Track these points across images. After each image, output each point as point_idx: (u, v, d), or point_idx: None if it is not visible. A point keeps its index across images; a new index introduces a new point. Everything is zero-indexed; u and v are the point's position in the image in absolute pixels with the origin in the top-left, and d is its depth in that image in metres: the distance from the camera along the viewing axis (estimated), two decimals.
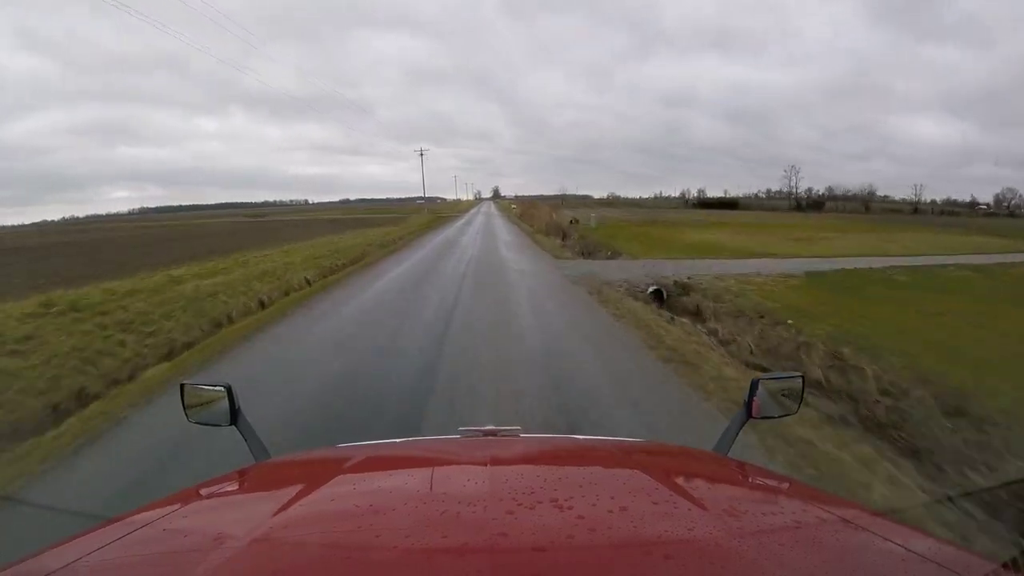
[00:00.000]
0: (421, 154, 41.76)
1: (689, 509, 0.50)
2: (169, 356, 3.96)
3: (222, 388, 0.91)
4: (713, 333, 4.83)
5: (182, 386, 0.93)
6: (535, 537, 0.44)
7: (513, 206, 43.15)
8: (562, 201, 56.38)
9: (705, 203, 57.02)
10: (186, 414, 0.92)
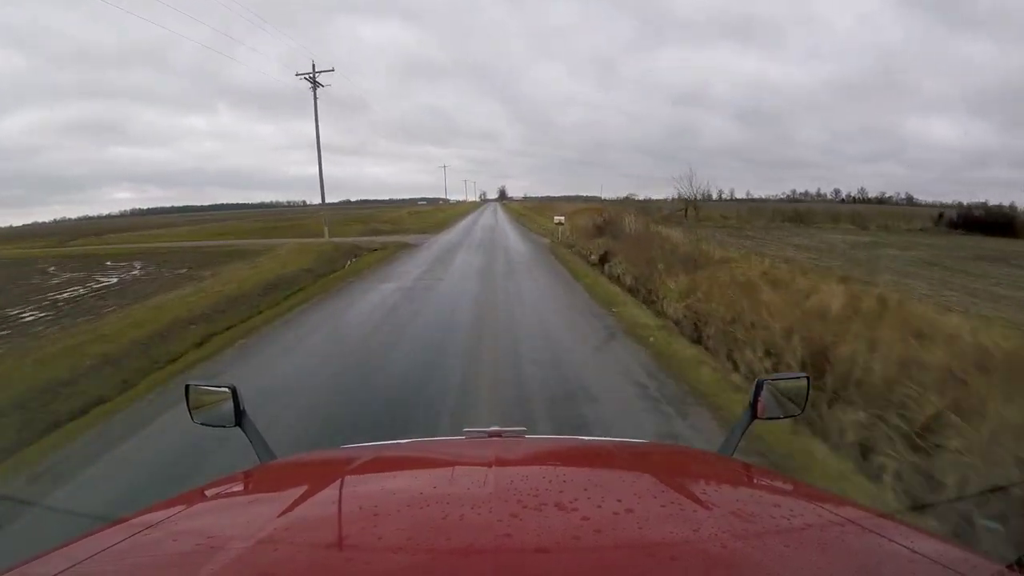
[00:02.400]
0: (313, 85, 15.51)
1: (695, 511, 0.52)
2: None
3: (227, 389, 0.95)
4: None
5: (187, 387, 0.97)
6: (540, 539, 0.46)
7: (559, 221, 16.35)
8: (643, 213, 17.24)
9: (971, 222, 27.87)
10: (191, 415, 0.97)
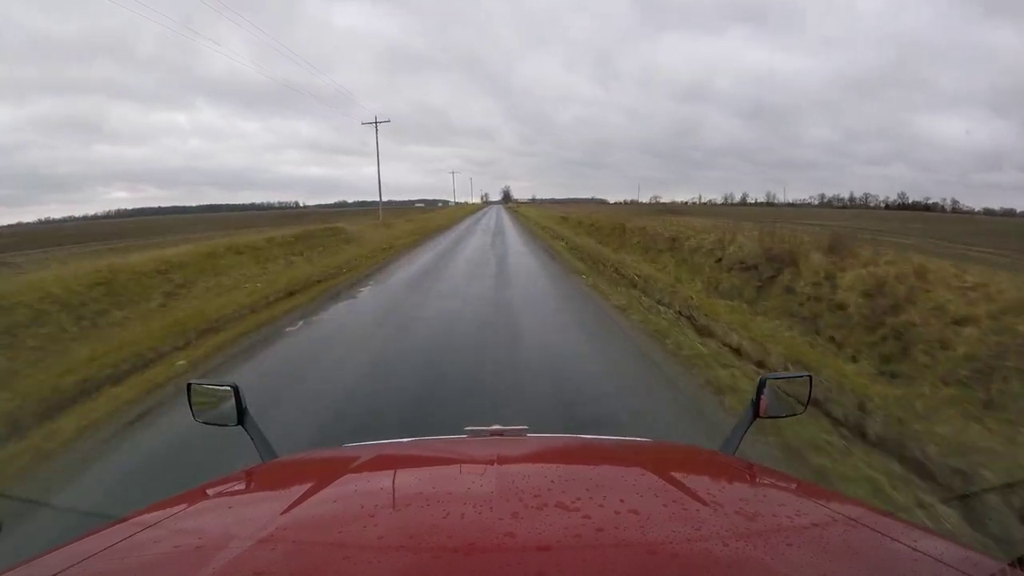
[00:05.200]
0: None
1: (697, 509, 0.56)
2: None
3: (229, 388, 1.00)
4: None
5: (189, 385, 1.02)
6: (542, 538, 0.49)
7: None
8: None
9: None
10: (193, 414, 1.02)
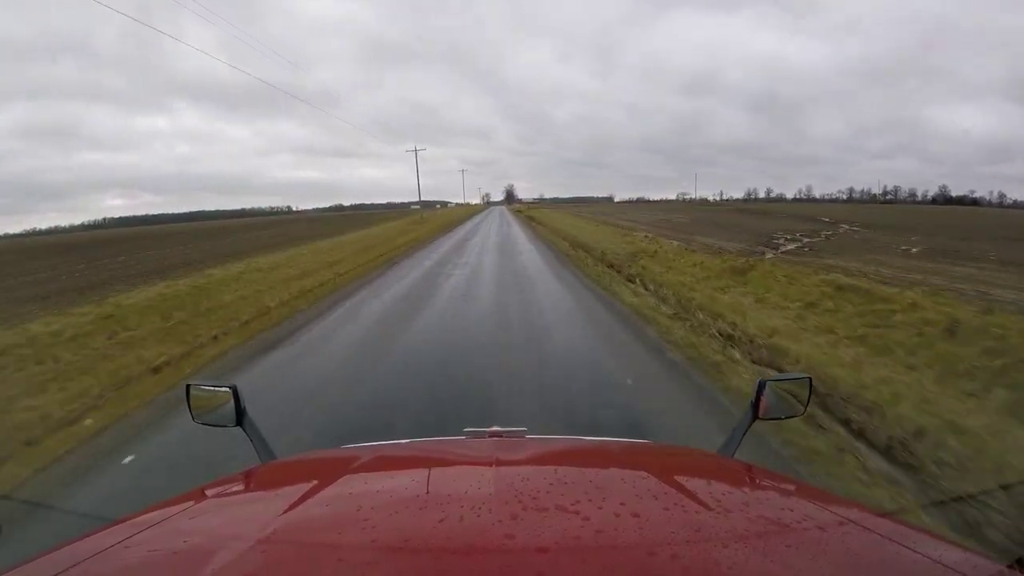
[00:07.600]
0: None
1: (696, 512, 0.59)
2: None
3: (227, 389, 1.04)
4: None
5: (188, 387, 1.07)
6: (541, 540, 0.52)
7: None
8: None
9: None
10: (191, 415, 1.07)
